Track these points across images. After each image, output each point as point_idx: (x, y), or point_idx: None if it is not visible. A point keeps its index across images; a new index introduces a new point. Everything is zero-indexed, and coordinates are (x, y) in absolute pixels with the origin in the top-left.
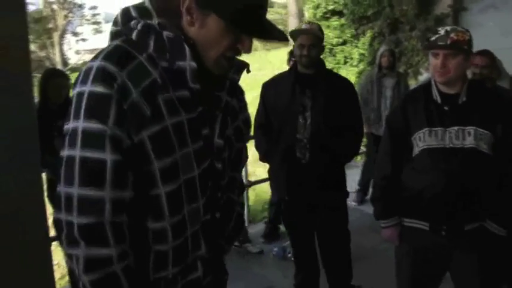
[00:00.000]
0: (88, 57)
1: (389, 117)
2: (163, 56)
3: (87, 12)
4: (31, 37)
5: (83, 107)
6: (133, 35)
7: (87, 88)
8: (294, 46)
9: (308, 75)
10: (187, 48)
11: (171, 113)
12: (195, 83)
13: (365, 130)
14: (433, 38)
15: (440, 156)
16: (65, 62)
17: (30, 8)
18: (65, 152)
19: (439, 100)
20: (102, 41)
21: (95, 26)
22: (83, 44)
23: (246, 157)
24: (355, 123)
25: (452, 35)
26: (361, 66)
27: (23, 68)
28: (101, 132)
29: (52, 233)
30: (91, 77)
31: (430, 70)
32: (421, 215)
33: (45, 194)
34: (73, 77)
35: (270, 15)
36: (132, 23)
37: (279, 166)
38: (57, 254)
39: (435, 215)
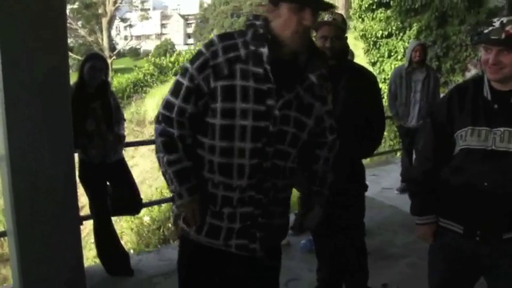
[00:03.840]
0: (135, 43)
1: (434, 109)
2: (254, 43)
3: None
4: (80, 22)
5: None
6: (244, 28)
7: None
8: (315, 37)
9: (330, 67)
10: (266, 42)
11: (243, 78)
12: (268, 64)
13: (395, 124)
14: (486, 31)
15: (479, 158)
16: (112, 47)
17: None
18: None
19: (489, 97)
20: (149, 27)
21: (143, 13)
22: (130, 30)
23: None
24: (374, 119)
25: (508, 27)
26: (393, 61)
27: (59, 50)
28: (187, 69)
29: (82, 212)
30: (206, 42)
31: (481, 65)
32: (456, 217)
33: (77, 174)
34: (120, 62)
35: None
36: (247, 22)
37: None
38: (90, 236)
39: (470, 219)
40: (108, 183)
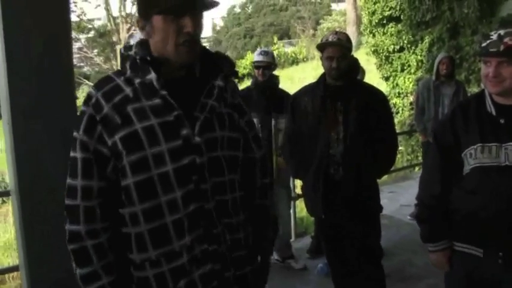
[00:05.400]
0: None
1: (438, 130)
2: (137, 74)
3: None
4: (96, 51)
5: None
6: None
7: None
8: (321, 58)
9: (338, 88)
10: (149, 65)
11: (141, 118)
12: (163, 90)
13: (421, 139)
14: (484, 44)
15: (494, 175)
16: None
17: (96, 22)
18: None
19: (493, 112)
20: None
21: None
22: None
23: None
24: (387, 137)
25: (506, 39)
26: (419, 73)
27: (67, 73)
28: (75, 138)
29: None
30: (84, 99)
31: (482, 79)
32: (474, 239)
33: None
34: None
35: (329, 23)
36: (121, 57)
37: (312, 185)
38: None
39: (490, 241)
40: None
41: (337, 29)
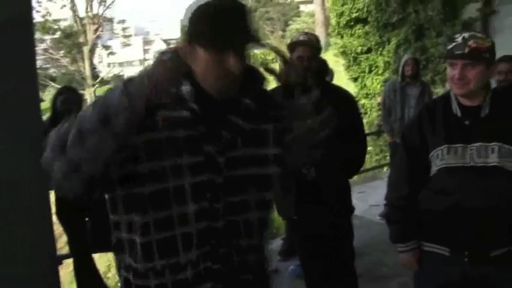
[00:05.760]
0: (118, 70)
1: (405, 131)
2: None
3: (116, 26)
4: (62, 52)
5: None
6: None
7: None
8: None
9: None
10: (187, 78)
11: (167, 127)
12: (194, 104)
13: (388, 140)
14: (449, 47)
15: (460, 176)
16: (95, 75)
17: (62, 23)
18: None
19: (459, 113)
20: (132, 53)
21: (124, 40)
22: (113, 57)
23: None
24: (357, 137)
25: (470, 42)
26: (387, 74)
27: (29, 83)
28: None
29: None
30: None
31: (448, 81)
32: (441, 239)
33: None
34: (103, 90)
35: (297, 25)
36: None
37: (283, 186)
38: None
39: (456, 239)
40: (87, 218)
41: (306, 30)
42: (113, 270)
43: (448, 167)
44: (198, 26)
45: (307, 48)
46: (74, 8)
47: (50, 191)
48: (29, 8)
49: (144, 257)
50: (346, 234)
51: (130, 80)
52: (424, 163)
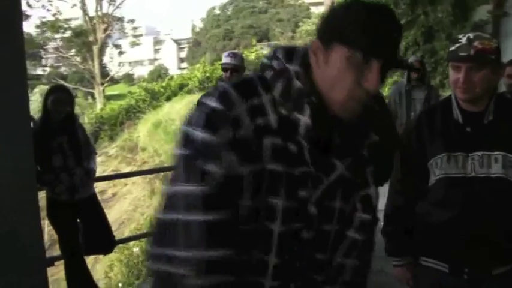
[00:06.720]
0: (128, 69)
1: (402, 138)
2: (285, 103)
3: (126, 25)
4: (73, 51)
5: (197, 116)
6: (269, 74)
7: (208, 102)
8: None
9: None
10: (308, 105)
11: (272, 158)
12: (305, 140)
13: None
14: (453, 48)
15: (461, 187)
16: (105, 74)
17: (72, 22)
18: None
19: (460, 120)
20: (142, 52)
21: (134, 39)
22: (124, 56)
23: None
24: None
25: (476, 43)
26: (395, 77)
27: (18, 84)
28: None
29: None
30: (215, 95)
31: (451, 85)
32: (439, 254)
33: (46, 212)
34: (114, 88)
35: (307, 26)
36: (275, 63)
37: None
38: None
39: (455, 256)
40: (78, 220)
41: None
42: (115, 270)
43: (447, 177)
44: (349, 24)
45: None
46: (84, 7)
47: (40, 192)
48: (18, 7)
49: None
50: None
51: None
52: (422, 172)
